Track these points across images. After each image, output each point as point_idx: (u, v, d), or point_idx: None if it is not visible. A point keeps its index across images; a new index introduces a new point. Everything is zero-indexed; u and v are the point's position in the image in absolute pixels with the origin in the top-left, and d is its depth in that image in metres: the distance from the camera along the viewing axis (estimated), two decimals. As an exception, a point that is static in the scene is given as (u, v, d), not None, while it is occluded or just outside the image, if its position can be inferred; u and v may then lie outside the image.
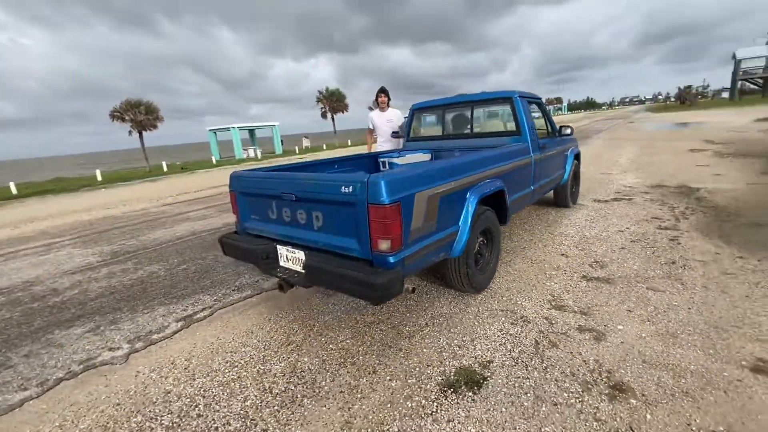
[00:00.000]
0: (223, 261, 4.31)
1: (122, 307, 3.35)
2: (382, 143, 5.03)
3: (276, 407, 1.96)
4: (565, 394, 1.88)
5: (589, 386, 1.92)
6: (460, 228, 2.59)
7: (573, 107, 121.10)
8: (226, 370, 2.31)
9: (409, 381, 2.07)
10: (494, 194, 2.94)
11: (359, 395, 2.00)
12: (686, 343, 2.19)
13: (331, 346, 2.48)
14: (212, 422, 1.89)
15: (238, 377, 2.23)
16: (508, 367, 2.12)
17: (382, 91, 4.89)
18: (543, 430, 1.68)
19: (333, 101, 37.97)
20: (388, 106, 4.97)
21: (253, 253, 2.71)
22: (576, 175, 5.45)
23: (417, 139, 4.70)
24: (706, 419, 1.66)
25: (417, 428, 1.75)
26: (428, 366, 2.19)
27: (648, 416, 1.71)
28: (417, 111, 4.68)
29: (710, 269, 3.11)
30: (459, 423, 1.76)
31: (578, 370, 2.05)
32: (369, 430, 1.77)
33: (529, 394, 1.90)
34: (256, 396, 2.06)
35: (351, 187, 2.09)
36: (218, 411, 1.97)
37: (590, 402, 1.82)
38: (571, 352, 2.20)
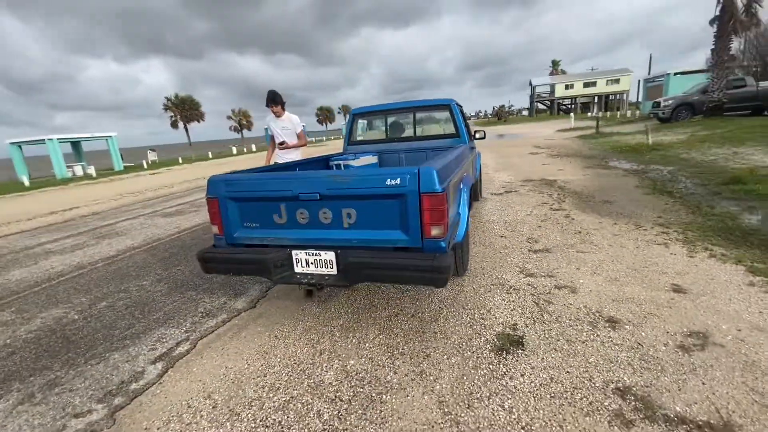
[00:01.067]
0: (156, 289, 3.58)
1: (49, 365, 2.49)
2: (283, 154, 4.52)
3: (360, 411, 1.87)
4: (584, 333, 2.36)
5: (594, 324, 2.46)
6: (461, 214, 2.89)
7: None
8: (272, 395, 2.04)
9: (466, 354, 2.25)
10: (474, 184, 3.35)
11: (432, 377, 2.08)
12: (627, 283, 2.98)
13: (367, 344, 2.44)
14: (301, 445, 1.70)
15: (292, 397, 2.01)
16: (531, 324, 2.51)
17: (271, 98, 4.30)
18: (589, 360, 2.10)
19: (185, 109, 33.87)
20: (283, 110, 4.41)
21: (261, 263, 2.44)
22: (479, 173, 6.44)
23: (359, 143, 4.83)
24: (671, 325, 2.35)
25: (502, 387, 1.95)
26: (470, 339, 2.40)
27: (642, 334, 2.31)
28: (357, 116, 4.82)
29: (604, 233, 4.19)
30: (531, 374, 2.04)
31: (579, 315, 2.58)
32: (464, 400, 1.88)
33: (561, 340, 2.31)
34: (329, 408, 1.91)
35: (399, 179, 2.15)
36: (299, 433, 1.76)
37: (603, 334, 2.34)
38: (565, 304, 2.73)
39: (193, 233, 5.76)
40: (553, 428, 1.67)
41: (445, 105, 4.48)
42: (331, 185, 2.30)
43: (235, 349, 2.51)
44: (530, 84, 57.45)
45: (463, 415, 1.79)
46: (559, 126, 27.12)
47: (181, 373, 2.30)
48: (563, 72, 61.70)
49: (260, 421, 1.86)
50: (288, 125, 4.42)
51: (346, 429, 1.77)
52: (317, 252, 2.41)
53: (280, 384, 2.13)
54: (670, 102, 17.11)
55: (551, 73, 62.51)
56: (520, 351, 2.24)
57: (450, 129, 4.45)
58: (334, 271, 2.40)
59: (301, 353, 2.41)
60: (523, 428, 1.68)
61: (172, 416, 1.94)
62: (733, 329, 2.26)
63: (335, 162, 4.26)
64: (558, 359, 2.13)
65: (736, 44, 18.27)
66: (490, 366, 2.13)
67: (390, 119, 4.77)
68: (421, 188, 2.12)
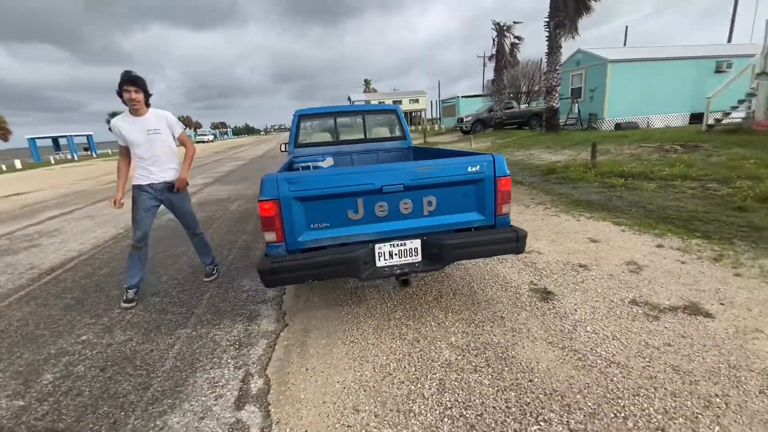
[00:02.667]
0: (123, 340, 2.64)
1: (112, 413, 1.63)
2: (149, 167, 3.13)
3: (506, 369, 2.12)
4: (577, 277, 3.22)
5: (576, 270, 3.36)
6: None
7: (237, 132, 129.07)
8: (419, 384, 2.03)
9: (528, 308, 2.75)
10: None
11: (524, 329, 2.48)
12: (563, 242, 4.09)
13: (446, 323, 2.63)
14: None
15: (440, 380, 2.06)
16: (541, 279, 3.22)
17: (130, 80, 2.92)
18: (598, 291, 2.93)
19: None
20: (148, 104, 3.10)
21: (352, 262, 2.31)
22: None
23: (307, 145, 4.65)
24: (613, 260, 3.48)
25: (569, 319, 2.54)
26: (517, 298, 2.91)
27: (605, 269, 3.33)
28: (303, 117, 4.62)
29: (512, 212, 5.43)
30: (573, 306, 2.70)
31: (560, 267, 3.45)
32: (558, 334, 2.38)
33: (569, 284, 3.10)
34: (480, 377, 2.07)
35: (478, 166, 2.47)
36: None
37: (587, 274, 3.25)
38: (545, 262, 3.58)
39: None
40: (616, 325, 2.36)
41: (392, 110, 4.86)
42: (416, 175, 2.41)
43: (324, 364, 2.26)
44: (349, 99, 62.45)
45: (567, 342, 2.29)
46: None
47: (291, 405, 1.95)
48: (374, 90, 69.76)
49: (437, 406, 1.87)
50: (159, 126, 3.12)
51: (509, 386, 2.00)
52: (402, 242, 2.46)
53: (414, 373, 2.12)
54: (470, 118, 22.06)
55: (365, 91, 69.68)
56: (555, 297, 2.89)
57: (396, 132, 4.85)
58: (419, 257, 2.50)
59: (397, 346, 2.40)
60: (606, 336, 2.31)
61: (340, 439, 1.71)
62: (638, 254, 3.54)
63: (302, 164, 4.03)
64: (582, 296, 2.88)
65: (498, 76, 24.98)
66: (551, 309, 2.70)
67: (341, 121, 4.79)
68: (497, 173, 2.51)
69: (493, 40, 20.10)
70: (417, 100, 60.55)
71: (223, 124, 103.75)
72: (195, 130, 76.06)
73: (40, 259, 4.65)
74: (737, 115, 12.19)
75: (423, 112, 61.88)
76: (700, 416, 1.72)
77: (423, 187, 2.43)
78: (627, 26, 34.23)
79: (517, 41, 19.82)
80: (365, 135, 4.78)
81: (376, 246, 2.42)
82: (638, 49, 18.55)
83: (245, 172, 13.35)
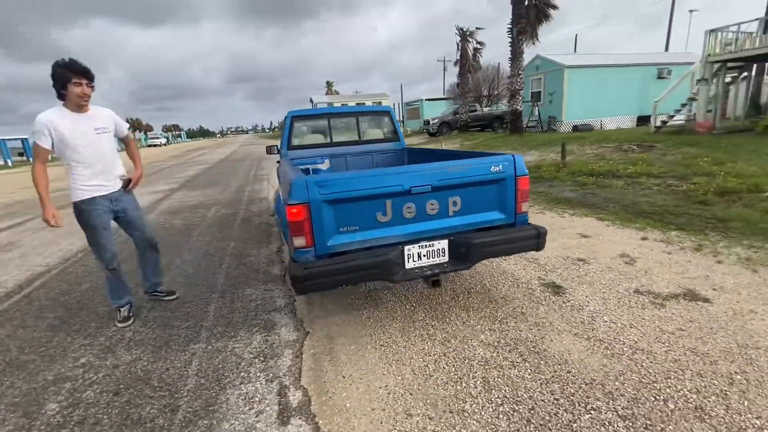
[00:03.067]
0: (132, 358, 2.42)
1: None
2: (99, 174, 2.66)
3: (542, 363, 2.18)
4: (579, 270, 3.38)
5: (577, 264, 3.52)
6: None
7: (191, 135, 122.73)
8: (463, 383, 2.03)
9: (544, 303, 2.84)
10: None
11: (546, 323, 2.57)
12: (558, 238, 4.28)
13: (471, 322, 2.66)
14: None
15: (483, 377, 2.08)
16: (546, 273, 3.34)
17: (84, 71, 2.48)
18: (603, 282, 3.10)
19: None
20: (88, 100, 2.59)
21: (386, 265, 2.28)
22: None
23: (300, 147, 4.52)
24: (608, 253, 3.69)
25: (584, 311, 2.66)
26: (531, 293, 3.00)
27: (602, 262, 3.52)
28: (296, 119, 4.49)
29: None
30: (585, 298, 2.84)
31: (561, 262, 3.61)
32: (581, 325, 2.48)
33: (574, 277, 3.24)
34: (521, 372, 2.12)
35: (500, 166, 2.53)
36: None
37: (587, 267, 3.42)
38: (546, 257, 3.72)
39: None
40: (629, 314, 2.51)
41: (385, 111, 4.85)
42: (443, 176, 2.42)
43: (360, 371, 2.20)
44: (311, 101, 61.63)
45: (590, 333, 2.40)
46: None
47: (339, 415, 1.88)
48: (337, 92, 69.25)
49: (488, 404, 1.88)
50: (107, 125, 2.72)
51: (550, 379, 2.06)
52: (430, 243, 2.46)
53: (454, 373, 2.12)
54: (436, 120, 22.51)
55: (327, 93, 69.00)
56: (566, 291, 3.02)
57: (390, 134, 4.85)
58: (446, 258, 2.51)
59: (429, 347, 2.39)
60: (624, 325, 2.45)
61: (401, 445, 1.67)
62: (627, 247, 3.79)
63: (300, 167, 3.91)
64: (590, 288, 3.03)
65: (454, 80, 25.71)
66: (566, 303, 2.81)
67: (335, 123, 4.70)
68: (517, 172, 2.58)
69: (457, 44, 20.71)
70: (380, 103, 60.82)
71: (176, 127, 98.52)
72: (145, 133, 71.61)
73: (2, 276, 4.16)
74: (680, 118, 13.39)
75: (386, 115, 62.24)
76: (728, 393, 1.86)
77: (449, 187, 2.45)
78: (576, 35, 36.62)
79: (479, 46, 20.54)
80: (359, 137, 4.74)
81: (405, 248, 2.41)
82: (592, 55, 19.84)
83: (211, 176, 12.76)
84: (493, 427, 1.75)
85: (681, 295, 2.83)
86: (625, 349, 2.25)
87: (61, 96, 2.51)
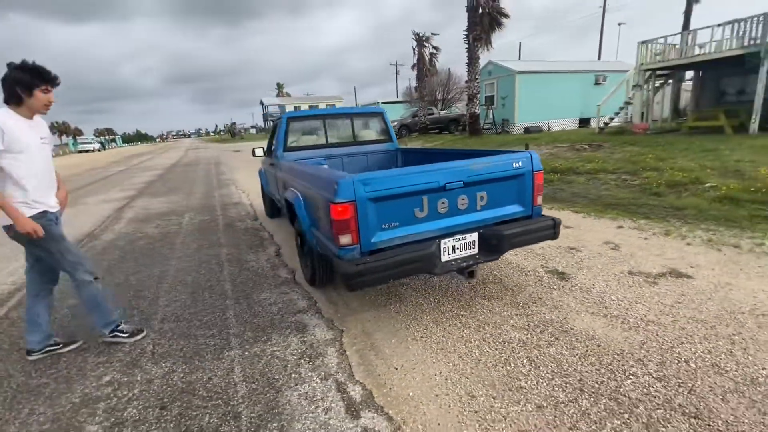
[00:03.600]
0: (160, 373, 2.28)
1: None
2: (47, 188, 2.39)
3: (573, 340, 2.39)
4: (574, 258, 3.70)
5: (571, 253, 3.85)
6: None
7: (127, 139, 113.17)
8: (512, 365, 2.18)
9: (555, 289, 3.09)
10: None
11: (564, 305, 2.80)
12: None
13: (497, 309, 2.83)
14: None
15: (528, 357, 2.24)
16: (547, 262, 3.62)
17: (53, 79, 2.27)
18: (599, 267, 3.42)
19: None
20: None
21: (429, 258, 2.38)
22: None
23: (296, 149, 4.46)
24: (593, 241, 4.07)
25: (587, 289, 2.95)
26: (540, 280, 3.24)
27: (590, 249, 3.88)
28: (292, 120, 4.42)
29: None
30: (589, 281, 3.13)
31: (557, 251, 3.91)
32: (594, 304, 2.75)
33: (573, 263, 3.55)
34: (556, 350, 2.31)
35: (521, 162, 2.73)
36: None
37: (581, 255, 3.75)
38: (542, 248, 4.01)
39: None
40: (631, 292, 2.83)
41: (378, 113, 4.92)
42: (472, 172, 2.57)
43: (410, 361, 2.27)
44: (261, 103, 59.79)
45: (605, 311, 2.66)
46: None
47: (406, 404, 1.94)
48: (288, 94, 67.76)
49: (541, 379, 2.04)
50: (48, 135, 2.47)
51: (586, 353, 2.27)
52: (463, 236, 2.59)
53: (500, 355, 2.26)
54: (396, 123, 22.86)
55: (278, 95, 67.29)
56: (570, 276, 3.30)
57: (383, 134, 4.93)
58: (476, 250, 2.65)
59: (467, 334, 2.51)
60: (630, 302, 2.75)
61: (484, 426, 1.77)
62: (608, 235, 4.20)
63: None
64: (589, 272, 3.34)
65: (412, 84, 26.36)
66: (574, 286, 3.08)
67: (330, 125, 4.68)
68: (534, 167, 2.79)
69: (413, 49, 21.28)
70: (334, 105, 60.52)
71: (109, 131, 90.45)
72: (74, 138, 65.06)
73: (-41, 298, 3.67)
74: (619, 120, 14.84)
75: (340, 118, 62.01)
76: (733, 351, 2.18)
77: (478, 183, 2.60)
78: (520, 43, 39.16)
79: (435, 51, 21.26)
80: (354, 138, 4.77)
81: (442, 241, 2.52)
82: (539, 62, 21.32)
83: (170, 182, 11.98)
84: (552, 398, 1.91)
85: (667, 273, 3.21)
86: (638, 322, 2.53)
87: (15, 100, 2.20)
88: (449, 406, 1.91)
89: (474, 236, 2.63)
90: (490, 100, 20.19)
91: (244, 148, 30.16)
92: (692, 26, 17.58)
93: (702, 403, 1.82)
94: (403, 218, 2.43)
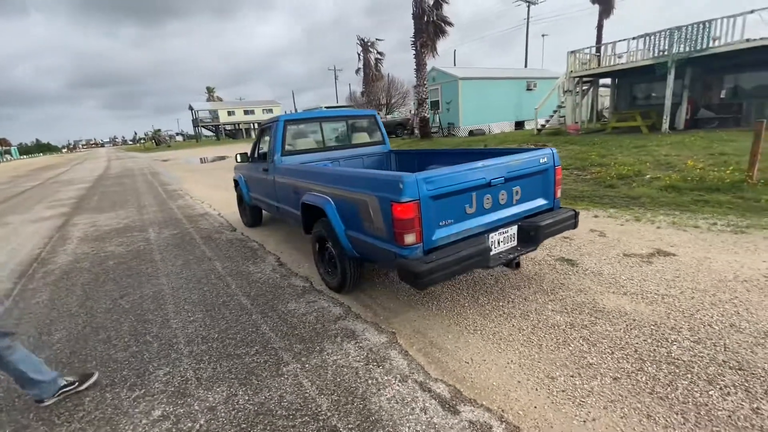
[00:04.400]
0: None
1: None
2: None
3: (609, 325, 2.63)
4: (574, 246, 4.04)
5: (569, 241, 4.19)
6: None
7: (26, 150, 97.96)
8: (582, 349, 2.34)
9: (572, 274, 3.35)
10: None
11: (590, 290, 3.06)
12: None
13: (534, 298, 2.99)
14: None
15: (582, 336, 2.41)
16: (553, 251, 3.91)
17: None
18: (602, 258, 3.78)
19: None
20: None
21: (485, 252, 2.45)
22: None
23: (297, 153, 4.28)
24: (584, 228, 4.48)
25: (603, 275, 3.26)
26: (554, 269, 3.50)
27: (575, 231, 4.27)
28: (289, 123, 4.24)
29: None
30: (595, 265, 3.46)
31: (554, 240, 4.24)
32: (610, 285, 3.04)
33: (577, 253, 3.87)
34: (606, 328, 2.52)
35: (546, 158, 2.93)
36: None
37: (577, 242, 4.11)
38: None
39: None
40: (635, 272, 3.19)
41: (371, 115, 4.91)
42: (511, 168, 2.71)
43: (478, 354, 2.33)
44: (191, 108, 55.88)
45: (623, 290, 2.97)
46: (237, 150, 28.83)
47: (495, 393, 1.99)
48: (219, 99, 64.11)
49: (604, 354, 2.22)
50: None
51: (628, 326, 2.51)
52: (505, 229, 2.71)
53: (556, 339, 2.41)
54: (344, 127, 22.80)
55: (209, 99, 63.39)
56: (577, 262, 3.60)
57: (377, 136, 4.93)
58: (515, 242, 2.80)
59: (516, 323, 2.64)
60: (640, 280, 3.10)
61: (577, 402, 1.89)
62: (590, 224, 4.66)
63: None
64: (591, 258, 3.68)
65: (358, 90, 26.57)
66: (585, 271, 3.37)
67: (327, 128, 4.55)
68: (555, 163, 3.02)
69: (359, 54, 21.48)
70: (271, 110, 58.58)
71: (3, 141, 77.88)
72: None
73: None
74: (553, 122, 16.34)
75: (278, 123, 60.16)
76: (739, 312, 2.56)
77: (515, 178, 2.75)
78: (455, 50, 41.30)
79: (380, 56, 21.64)
80: (350, 140, 4.72)
81: (490, 236, 2.62)
82: (478, 69, 22.66)
83: (108, 197, 10.70)
84: (622, 369, 2.10)
85: (654, 253, 3.65)
86: (655, 296, 2.85)
87: None
88: (536, 390, 2.01)
89: (514, 229, 2.77)
90: (435, 104, 21.02)
91: (175, 157, 28.08)
92: (604, 38, 20.00)
93: (739, 357, 2.13)
94: (456, 215, 2.48)
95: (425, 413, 1.89)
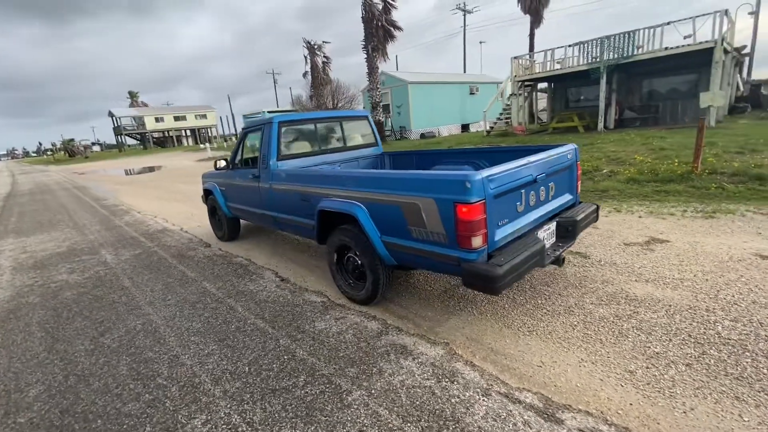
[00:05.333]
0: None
1: None
2: None
3: (643, 312, 2.72)
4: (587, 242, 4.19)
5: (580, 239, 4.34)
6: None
7: None
8: (640, 340, 2.36)
9: (590, 267, 3.44)
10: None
11: (609, 284, 3.16)
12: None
13: (570, 290, 3.01)
14: (685, 329, 2.40)
15: (641, 319, 2.45)
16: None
17: None
18: (614, 243, 3.96)
19: None
20: None
21: (542, 252, 2.40)
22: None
23: (293, 157, 3.93)
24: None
25: (611, 263, 3.41)
26: (570, 261, 3.57)
27: (578, 230, 4.46)
28: (284, 125, 3.87)
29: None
30: (606, 257, 3.61)
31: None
32: (627, 272, 3.18)
33: (585, 248, 4.02)
34: (651, 316, 2.59)
35: (571, 154, 2.98)
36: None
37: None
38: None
39: None
40: (643, 259, 3.39)
41: (364, 116, 4.68)
42: (550, 164, 2.70)
43: (544, 356, 2.26)
44: (111, 115, 50.51)
45: (643, 278, 3.11)
46: (197, 156, 26.80)
47: (585, 395, 1.92)
48: (144, 104, 58.68)
49: (661, 341, 2.27)
50: None
51: (668, 311, 2.61)
52: (548, 226, 2.69)
53: (611, 332, 2.43)
54: (293, 132, 22.05)
55: (131, 104, 57.75)
56: (589, 255, 3.72)
57: (370, 138, 4.72)
58: (554, 238, 2.79)
59: (565, 320, 2.62)
60: (652, 267, 3.28)
61: (667, 393, 1.88)
62: (583, 217, 4.89)
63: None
64: (597, 250, 3.83)
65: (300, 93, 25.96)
66: (600, 262, 3.49)
67: (321, 130, 4.22)
68: (576, 158, 3.08)
69: (305, 57, 20.90)
70: (205, 116, 55.03)
71: None
72: None
73: None
74: (501, 124, 17.26)
75: (214, 128, 56.82)
76: (752, 289, 2.79)
77: (551, 174, 2.75)
78: (396, 55, 42.10)
79: (327, 60, 21.27)
80: (345, 142, 4.46)
81: (537, 233, 2.57)
82: (426, 73, 23.23)
83: (30, 216, 9.11)
84: (689, 355, 2.15)
85: (649, 241, 3.91)
86: (674, 281, 3.02)
87: None
88: (621, 386, 1.98)
89: (553, 225, 2.76)
90: (386, 108, 21.15)
91: (94, 169, 25.31)
92: (536, 46, 21.63)
93: (778, 331, 2.30)
94: (510, 214, 2.40)
95: (529, 427, 1.76)
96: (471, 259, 2.16)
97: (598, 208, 3.19)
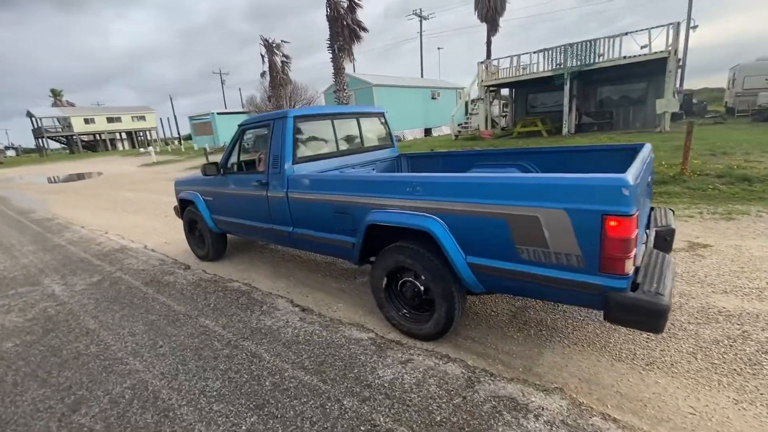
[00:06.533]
0: None
1: None
2: None
3: (748, 321, 2.45)
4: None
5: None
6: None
7: None
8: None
9: (650, 276, 3.16)
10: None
11: (686, 291, 2.88)
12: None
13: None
14: None
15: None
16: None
17: None
18: (643, 251, 3.73)
19: None
20: None
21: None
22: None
23: (310, 159, 3.25)
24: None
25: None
26: (626, 272, 3.28)
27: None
28: (300, 120, 3.17)
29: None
30: (666, 264, 3.37)
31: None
32: (708, 285, 2.94)
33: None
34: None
35: (651, 155, 2.65)
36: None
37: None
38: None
39: None
40: (687, 264, 3.19)
41: (380, 113, 4.09)
42: (649, 166, 2.33)
43: (675, 393, 1.85)
44: (30, 116, 44.59)
45: (714, 285, 2.88)
46: (139, 161, 24.19)
47: (677, 418, 1.53)
48: (71, 104, 52.45)
49: (718, 345, 1.97)
50: None
51: (729, 317, 2.35)
52: (644, 236, 2.32)
53: (722, 354, 2.09)
54: (250, 135, 20.66)
55: (55, 104, 51.39)
56: (638, 262, 3.46)
57: (387, 138, 4.14)
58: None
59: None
60: (696, 272, 3.07)
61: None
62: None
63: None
64: (646, 255, 3.59)
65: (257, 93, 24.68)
66: (662, 272, 3.22)
67: (339, 128, 3.54)
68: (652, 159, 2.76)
69: (262, 56, 19.67)
70: (143, 118, 50.54)
71: None
72: None
73: None
74: (468, 128, 17.37)
75: (153, 131, 52.42)
76: (837, 298, 2.64)
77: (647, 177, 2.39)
78: (354, 58, 41.42)
79: (286, 59, 20.21)
80: (362, 143, 3.85)
81: (654, 249, 2.18)
82: (390, 77, 22.92)
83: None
84: (749, 357, 1.86)
85: (692, 246, 3.74)
86: (755, 291, 2.80)
87: None
88: (706, 405, 1.61)
89: (652, 236, 2.40)
90: (349, 110, 20.56)
91: (12, 176, 22.14)
92: (493, 53, 22.25)
93: None
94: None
95: None
96: (617, 287, 1.70)
97: (672, 212, 2.91)
